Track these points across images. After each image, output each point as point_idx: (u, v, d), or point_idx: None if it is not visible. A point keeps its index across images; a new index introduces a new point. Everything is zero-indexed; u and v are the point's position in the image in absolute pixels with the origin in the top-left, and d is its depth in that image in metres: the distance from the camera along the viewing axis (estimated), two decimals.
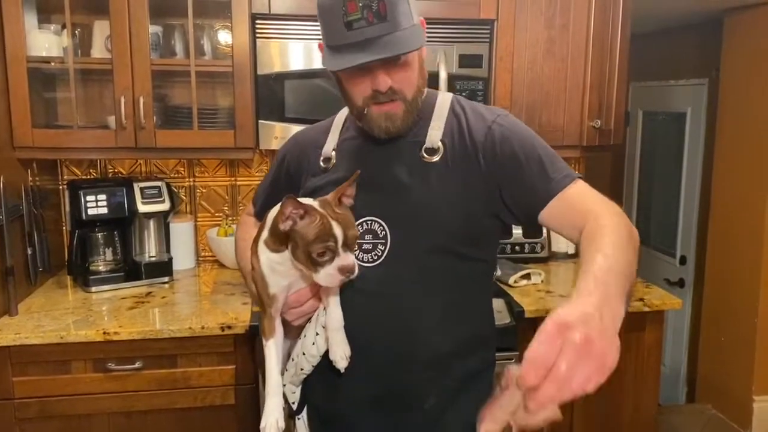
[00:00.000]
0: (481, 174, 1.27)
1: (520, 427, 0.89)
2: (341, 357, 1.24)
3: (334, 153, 1.37)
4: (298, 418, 1.39)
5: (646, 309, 2.26)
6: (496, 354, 2.08)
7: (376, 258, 1.26)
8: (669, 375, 3.82)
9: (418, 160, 1.28)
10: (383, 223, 1.26)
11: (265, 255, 1.22)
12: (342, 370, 1.25)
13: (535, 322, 2.20)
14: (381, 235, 1.26)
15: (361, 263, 1.26)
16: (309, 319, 1.30)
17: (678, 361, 3.85)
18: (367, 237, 1.27)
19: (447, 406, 1.31)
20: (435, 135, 1.29)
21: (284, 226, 1.16)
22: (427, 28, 2.29)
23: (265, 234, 1.23)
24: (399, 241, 1.25)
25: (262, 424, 1.23)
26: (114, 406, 2.03)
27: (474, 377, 1.35)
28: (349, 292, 1.26)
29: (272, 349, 1.25)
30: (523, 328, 2.17)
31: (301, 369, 1.32)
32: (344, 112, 1.43)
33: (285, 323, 1.33)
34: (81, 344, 1.97)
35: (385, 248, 1.26)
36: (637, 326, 2.30)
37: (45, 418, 2.00)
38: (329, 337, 1.25)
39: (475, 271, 1.34)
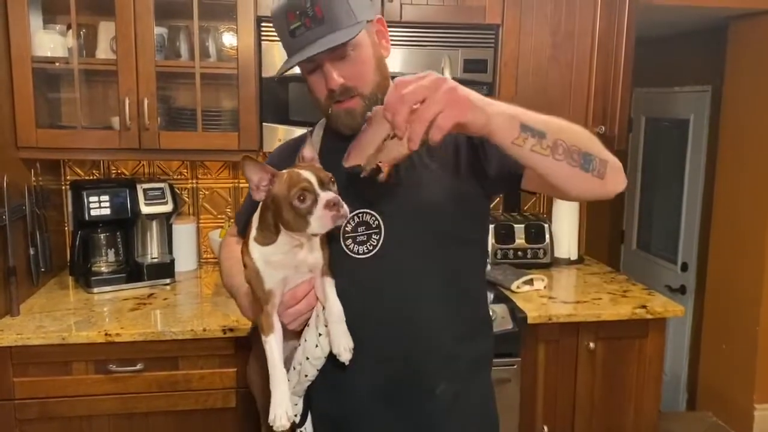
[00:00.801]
0: (465, 152, 1.28)
1: (385, 161, 1.07)
2: (344, 349, 1.24)
3: (316, 157, 1.38)
4: (301, 431, 1.39)
5: (649, 316, 2.25)
6: (497, 359, 2.11)
7: (371, 248, 1.26)
8: (669, 382, 3.81)
9: None
10: (375, 213, 1.27)
11: (258, 250, 1.23)
12: (346, 363, 1.25)
13: (538, 328, 2.20)
14: (374, 225, 1.27)
15: (357, 255, 1.26)
16: (307, 324, 1.30)
17: (679, 367, 3.84)
18: (360, 229, 1.27)
19: (458, 393, 1.31)
20: None
21: (259, 196, 1.19)
22: (432, 32, 2.34)
23: (253, 232, 1.24)
24: (392, 229, 1.26)
25: (271, 416, 1.21)
26: (115, 407, 2.02)
27: (480, 363, 1.37)
28: (347, 285, 1.26)
29: (273, 343, 1.25)
30: (526, 333, 2.17)
31: (305, 376, 1.31)
32: (324, 120, 1.44)
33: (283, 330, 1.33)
34: (82, 345, 1.96)
35: (379, 237, 1.26)
36: (640, 333, 2.29)
37: (45, 419, 2.00)
38: (330, 330, 1.24)
39: (470, 255, 1.35)
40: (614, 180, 1.17)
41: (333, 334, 1.24)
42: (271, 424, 1.22)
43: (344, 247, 1.27)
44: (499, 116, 1.03)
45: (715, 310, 3.42)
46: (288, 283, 1.25)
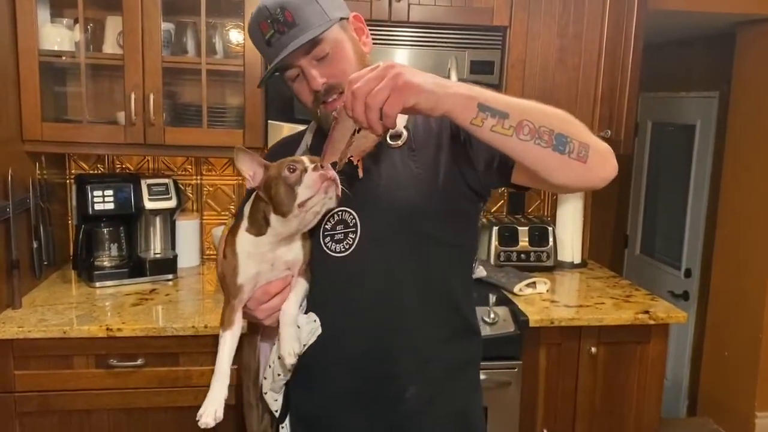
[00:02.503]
0: (449, 149, 1.27)
1: (356, 154, 1.13)
2: (289, 353, 1.23)
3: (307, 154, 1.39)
4: (282, 427, 1.38)
5: (651, 322, 2.24)
6: (498, 362, 2.11)
7: (347, 247, 1.26)
8: (670, 387, 3.80)
9: (382, 147, 1.29)
10: (352, 212, 1.26)
11: (245, 241, 1.23)
12: (289, 367, 1.25)
13: (540, 332, 2.19)
14: (351, 224, 1.26)
15: (334, 254, 1.26)
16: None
17: (680, 373, 3.83)
18: (338, 228, 1.27)
19: (432, 396, 1.30)
20: (399, 122, 1.28)
21: (253, 184, 1.21)
22: (440, 33, 2.33)
23: (245, 223, 1.24)
24: (369, 228, 1.25)
25: (201, 411, 1.20)
26: (114, 402, 2.02)
27: (458, 368, 1.35)
28: (325, 283, 1.26)
29: (227, 338, 1.25)
30: (528, 337, 2.17)
31: (278, 375, 1.32)
32: (313, 124, 1.44)
33: (266, 332, 1.34)
34: (83, 339, 1.97)
35: (355, 236, 1.25)
36: (642, 339, 2.28)
37: (45, 413, 2.00)
38: (280, 331, 1.24)
39: (451, 257, 1.32)
40: (600, 165, 1.13)
41: (282, 336, 1.24)
42: (197, 419, 1.20)
43: (322, 245, 1.27)
44: (453, 97, 1.03)
45: (717, 317, 3.41)
46: (259, 280, 1.25)
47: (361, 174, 1.17)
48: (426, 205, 1.26)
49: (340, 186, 1.16)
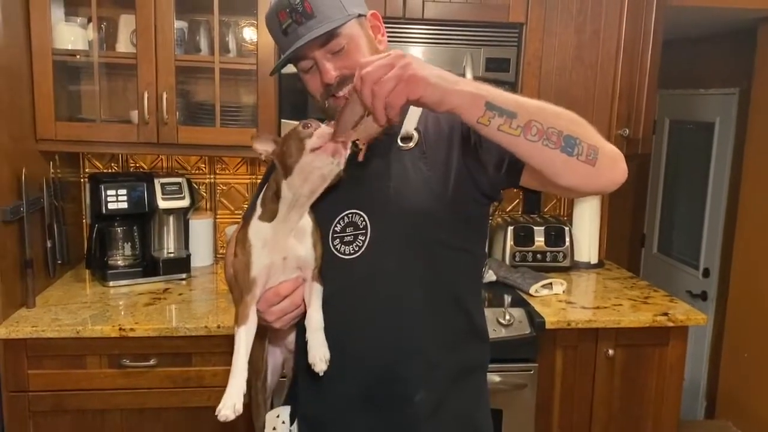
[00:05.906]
0: (460, 151, 1.25)
1: (362, 138, 1.12)
2: (320, 359, 1.22)
3: None
4: (291, 430, 1.38)
5: (670, 324, 2.21)
6: (514, 364, 2.08)
7: (357, 249, 1.24)
8: (688, 389, 3.74)
9: (393, 149, 1.28)
10: (363, 214, 1.25)
11: (261, 229, 1.22)
12: (320, 373, 1.23)
13: (556, 333, 2.16)
14: (361, 226, 1.25)
15: (343, 256, 1.25)
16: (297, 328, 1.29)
17: (698, 374, 3.78)
18: (348, 230, 1.26)
19: (440, 401, 1.28)
20: (410, 123, 1.29)
21: (270, 154, 1.19)
22: (455, 30, 2.31)
23: (257, 213, 1.23)
24: (379, 230, 1.24)
25: (220, 406, 1.19)
26: (127, 402, 2.02)
27: (466, 373, 1.34)
28: (333, 286, 1.25)
29: (242, 334, 1.24)
30: (544, 339, 2.14)
31: None
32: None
33: (274, 335, 1.34)
34: (96, 339, 1.97)
35: (365, 238, 1.24)
36: (661, 341, 2.25)
37: (58, 412, 2.00)
38: (308, 338, 1.24)
39: (460, 262, 1.31)
40: (609, 168, 1.11)
41: (310, 343, 1.23)
42: (216, 414, 1.19)
43: (332, 248, 1.26)
44: (459, 94, 1.01)
45: (737, 318, 3.35)
46: (271, 275, 1.24)
47: (361, 157, 1.16)
48: (436, 210, 1.24)
49: (346, 154, 1.13)
